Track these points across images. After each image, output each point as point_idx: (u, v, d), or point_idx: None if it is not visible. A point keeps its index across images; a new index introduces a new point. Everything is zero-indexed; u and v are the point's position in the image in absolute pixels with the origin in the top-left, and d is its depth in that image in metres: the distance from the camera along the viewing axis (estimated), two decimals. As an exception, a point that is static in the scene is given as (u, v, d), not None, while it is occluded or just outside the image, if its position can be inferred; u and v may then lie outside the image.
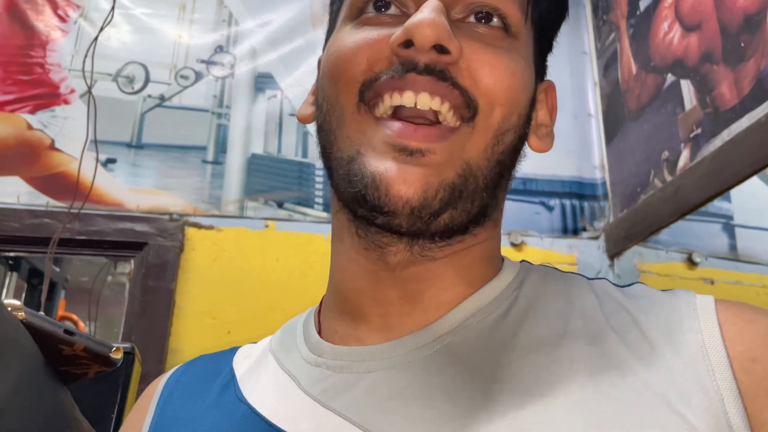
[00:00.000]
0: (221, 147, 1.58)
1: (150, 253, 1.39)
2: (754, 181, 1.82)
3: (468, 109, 0.42)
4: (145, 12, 1.68)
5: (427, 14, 0.41)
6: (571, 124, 1.76)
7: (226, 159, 1.57)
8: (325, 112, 0.46)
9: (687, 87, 1.34)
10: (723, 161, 1.17)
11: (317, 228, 1.53)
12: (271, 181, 1.57)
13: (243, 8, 1.73)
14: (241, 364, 0.51)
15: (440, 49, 0.41)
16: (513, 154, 0.46)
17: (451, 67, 0.42)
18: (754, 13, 1.13)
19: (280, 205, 1.55)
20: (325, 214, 1.56)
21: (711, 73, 1.25)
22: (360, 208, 0.42)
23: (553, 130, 0.52)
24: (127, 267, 1.44)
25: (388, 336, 0.45)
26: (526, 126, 0.47)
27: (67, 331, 0.43)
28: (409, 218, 0.41)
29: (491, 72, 0.43)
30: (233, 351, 0.55)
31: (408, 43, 0.41)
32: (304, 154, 1.61)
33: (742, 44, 1.16)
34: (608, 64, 1.72)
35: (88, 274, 2.15)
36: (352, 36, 0.45)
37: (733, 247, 1.72)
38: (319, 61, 0.50)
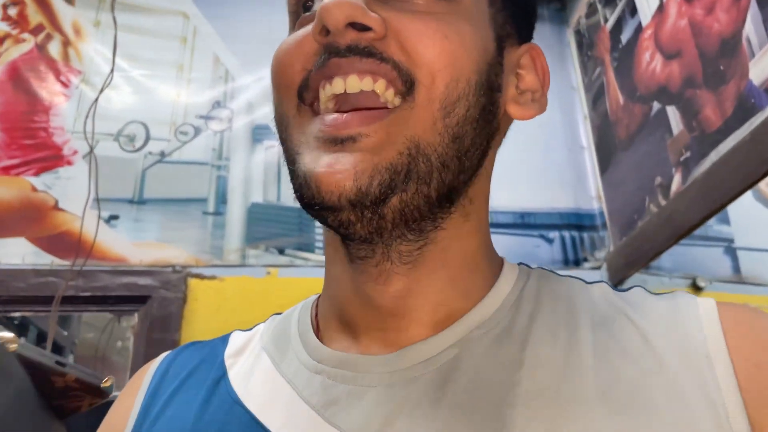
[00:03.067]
0: (221, 198, 1.61)
1: (153, 306, 1.40)
2: (752, 203, 1.83)
3: (404, 82, 0.39)
4: (144, 73, 1.74)
5: None
6: (566, 156, 1.79)
7: (227, 209, 1.60)
8: (277, 122, 0.44)
9: (673, 113, 1.37)
10: (713, 182, 1.19)
11: (319, 272, 1.53)
12: (272, 229, 1.59)
13: (239, 65, 1.79)
14: (232, 359, 0.49)
15: (360, 27, 0.39)
16: (475, 128, 0.41)
17: (379, 43, 0.39)
18: (729, 37, 1.16)
19: (281, 252, 1.56)
20: (325, 259, 1.57)
21: (694, 98, 1.28)
22: (308, 210, 0.40)
23: (545, 95, 0.48)
24: (132, 321, 1.45)
25: (389, 348, 0.43)
26: (490, 94, 0.43)
27: (59, 362, 0.44)
28: (354, 211, 0.38)
29: (421, 40, 0.39)
30: (225, 340, 0.52)
31: (326, 30, 0.39)
32: (303, 201, 1.64)
33: (722, 67, 1.19)
34: (596, 97, 1.76)
35: (96, 336, 2.15)
36: (286, 41, 0.43)
37: (736, 269, 1.71)
38: None
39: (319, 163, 0.38)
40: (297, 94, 0.41)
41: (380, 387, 0.40)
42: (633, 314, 0.42)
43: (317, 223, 1.64)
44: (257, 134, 1.71)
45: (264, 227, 1.59)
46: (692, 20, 1.29)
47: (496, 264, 0.47)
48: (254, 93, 1.76)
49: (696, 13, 1.27)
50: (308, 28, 0.41)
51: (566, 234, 1.68)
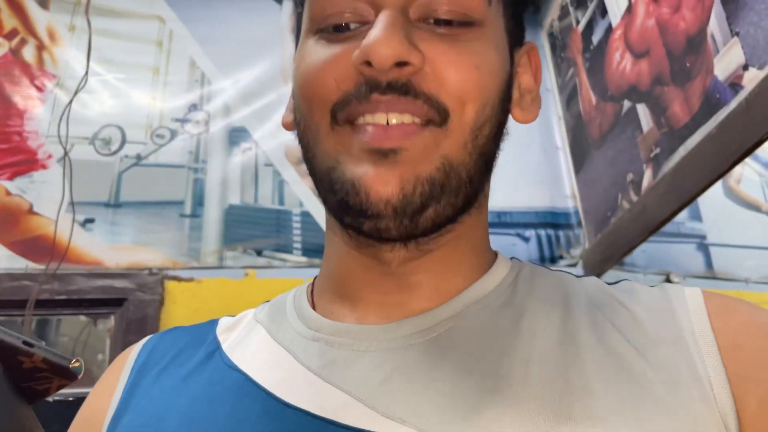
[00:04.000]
0: (198, 200, 1.61)
1: (130, 309, 1.39)
2: (724, 200, 1.86)
3: (438, 113, 0.42)
4: (119, 77, 1.74)
5: (380, 32, 0.41)
6: (541, 157, 1.81)
7: (204, 211, 1.60)
8: (303, 128, 0.46)
9: (643, 110, 1.40)
10: (682, 176, 1.21)
11: (297, 273, 1.54)
12: (249, 230, 1.59)
13: (215, 68, 1.80)
14: (225, 335, 0.50)
15: (401, 63, 0.41)
16: (495, 142, 0.46)
17: (415, 75, 0.42)
18: (695, 35, 1.19)
19: (259, 253, 1.56)
20: (304, 259, 1.57)
21: (663, 95, 1.31)
22: (346, 215, 0.43)
23: (539, 94, 0.52)
24: (108, 324, 1.44)
25: (387, 320, 0.45)
26: (505, 107, 0.47)
27: (26, 343, 0.44)
28: (395, 219, 0.41)
29: (456, 72, 0.43)
30: (213, 323, 0.53)
31: (369, 62, 0.41)
32: (281, 202, 1.64)
33: (688, 64, 1.21)
34: (570, 98, 1.79)
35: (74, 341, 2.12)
36: (317, 53, 0.45)
37: (709, 265, 1.74)
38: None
39: (367, 171, 0.41)
40: (330, 112, 0.44)
41: (378, 351, 0.42)
42: (624, 299, 0.45)
43: (295, 225, 1.66)
44: (234, 137, 1.71)
45: (241, 229, 1.59)
46: (659, 19, 1.32)
47: (492, 253, 0.51)
48: (230, 96, 1.76)
49: (663, 12, 1.30)
50: (346, 47, 0.43)
51: (542, 232, 1.70)
